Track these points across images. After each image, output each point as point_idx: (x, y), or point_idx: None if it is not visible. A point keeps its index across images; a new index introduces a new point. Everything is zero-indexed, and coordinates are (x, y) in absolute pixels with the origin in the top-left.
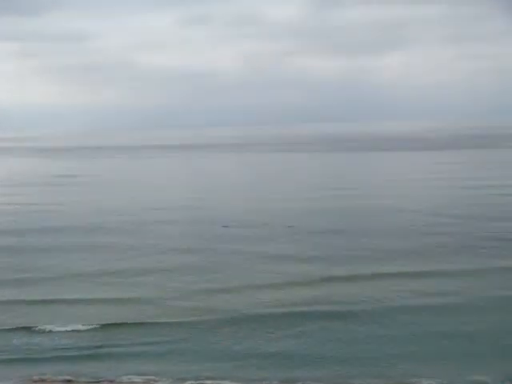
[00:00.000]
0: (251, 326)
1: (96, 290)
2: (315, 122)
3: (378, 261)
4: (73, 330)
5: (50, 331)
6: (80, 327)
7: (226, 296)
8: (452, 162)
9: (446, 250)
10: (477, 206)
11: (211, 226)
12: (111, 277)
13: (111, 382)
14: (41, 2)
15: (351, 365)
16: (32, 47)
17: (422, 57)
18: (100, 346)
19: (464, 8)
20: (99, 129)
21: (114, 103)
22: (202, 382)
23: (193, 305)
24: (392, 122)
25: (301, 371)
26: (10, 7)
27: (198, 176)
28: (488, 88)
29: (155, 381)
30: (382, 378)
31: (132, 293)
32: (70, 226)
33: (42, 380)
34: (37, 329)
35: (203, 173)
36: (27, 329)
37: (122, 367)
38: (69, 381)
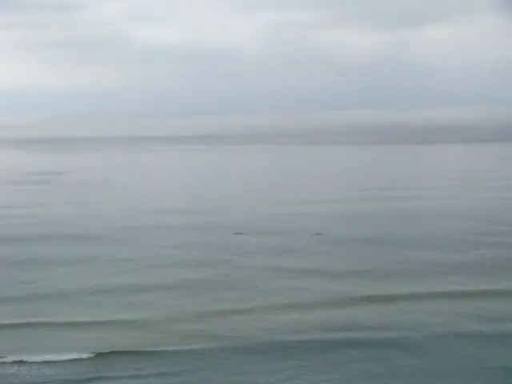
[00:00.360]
0: (270, 355)
1: (84, 311)
2: (348, 109)
3: (423, 277)
4: (55, 361)
5: (27, 362)
6: (64, 357)
7: (240, 319)
8: None
9: (506, 264)
10: None
11: (221, 232)
12: (102, 295)
13: None
14: None
15: None
16: (4, 19)
17: (473, 29)
18: (87, 380)
19: None
20: (91, 116)
21: (108, 86)
22: None
23: (199, 329)
24: (441, 108)
25: None
26: None
27: (206, 173)
28: None
29: None
30: None
31: (127, 314)
32: (52, 234)
33: None
34: (9, 359)
35: (213, 169)
36: None
37: None
38: None
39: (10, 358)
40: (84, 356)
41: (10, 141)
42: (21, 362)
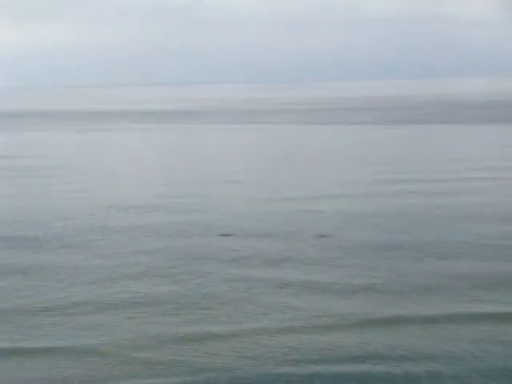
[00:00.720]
0: None
1: (27, 335)
2: (370, 79)
3: (456, 294)
4: None
5: None
6: None
7: (223, 345)
8: None
9: None
10: None
11: (204, 234)
12: (50, 315)
13: None
14: None
15: None
16: None
17: None
18: None
19: None
20: (39, 84)
21: (61, 45)
22: None
23: (172, 358)
24: (494, 78)
25: None
26: None
27: (187, 160)
28: None
29: None
30: None
31: (80, 340)
32: None
33: None
34: None
35: (195, 155)
36: None
37: None
38: None
39: None
40: None
41: None
42: None
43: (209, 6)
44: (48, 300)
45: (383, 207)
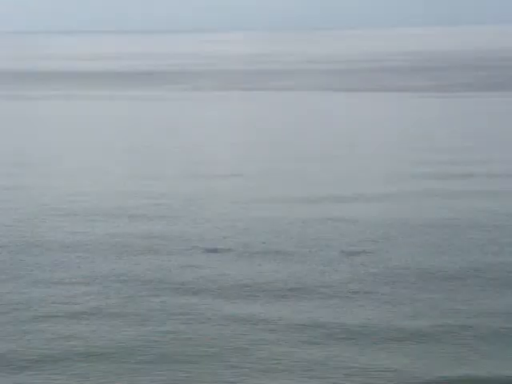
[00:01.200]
0: None
1: None
2: (420, 25)
3: None
4: None
5: None
6: None
7: None
8: None
9: None
10: None
11: (182, 250)
12: None
13: None
14: None
15: None
16: None
17: None
18: None
19: None
20: None
21: None
22: None
23: None
24: None
25: None
26: None
27: (160, 142)
28: None
29: None
30: None
31: None
32: None
33: None
34: None
35: (172, 134)
36: None
37: None
38: None
39: None
40: None
41: None
42: None
43: None
44: None
45: (441, 214)
